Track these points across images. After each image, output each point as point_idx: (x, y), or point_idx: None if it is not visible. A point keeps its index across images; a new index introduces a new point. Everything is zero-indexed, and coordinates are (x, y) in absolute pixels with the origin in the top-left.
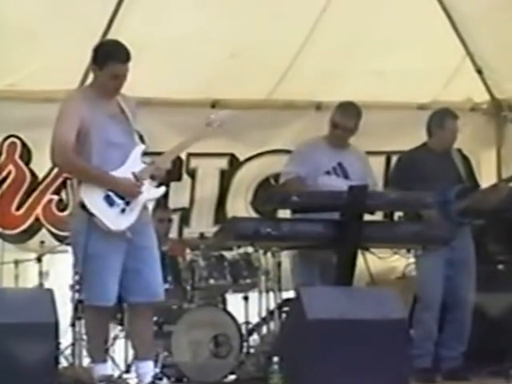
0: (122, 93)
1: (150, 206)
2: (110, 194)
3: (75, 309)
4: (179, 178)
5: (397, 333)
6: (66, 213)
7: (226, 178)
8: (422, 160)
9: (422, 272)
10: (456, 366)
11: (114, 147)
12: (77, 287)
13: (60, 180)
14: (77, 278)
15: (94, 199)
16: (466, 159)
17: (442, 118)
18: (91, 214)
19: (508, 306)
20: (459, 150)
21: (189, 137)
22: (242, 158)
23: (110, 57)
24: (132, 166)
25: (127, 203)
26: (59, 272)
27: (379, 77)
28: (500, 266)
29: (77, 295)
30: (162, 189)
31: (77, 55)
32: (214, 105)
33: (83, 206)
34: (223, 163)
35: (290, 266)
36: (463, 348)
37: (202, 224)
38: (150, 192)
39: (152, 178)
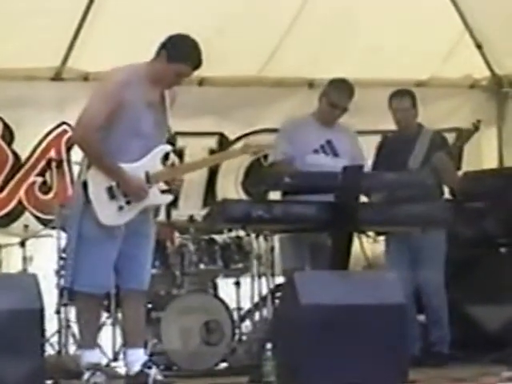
0: None
1: None
2: (115, 187)
3: (61, 295)
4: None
5: (395, 318)
6: (49, 196)
7: None
8: (386, 144)
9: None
10: (444, 352)
11: (138, 138)
12: (62, 272)
13: (43, 162)
14: (62, 263)
15: (97, 185)
16: (440, 140)
17: (390, 99)
18: (88, 200)
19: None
20: (436, 132)
21: (219, 154)
22: (231, 137)
23: (184, 59)
24: (149, 163)
25: (128, 202)
26: (44, 257)
27: (375, 53)
28: (502, 249)
29: (62, 281)
30: (169, 197)
31: (58, 33)
32: (201, 82)
33: (85, 187)
34: (212, 143)
35: (279, 248)
36: (444, 331)
37: (191, 206)
38: (156, 197)
39: (167, 187)
